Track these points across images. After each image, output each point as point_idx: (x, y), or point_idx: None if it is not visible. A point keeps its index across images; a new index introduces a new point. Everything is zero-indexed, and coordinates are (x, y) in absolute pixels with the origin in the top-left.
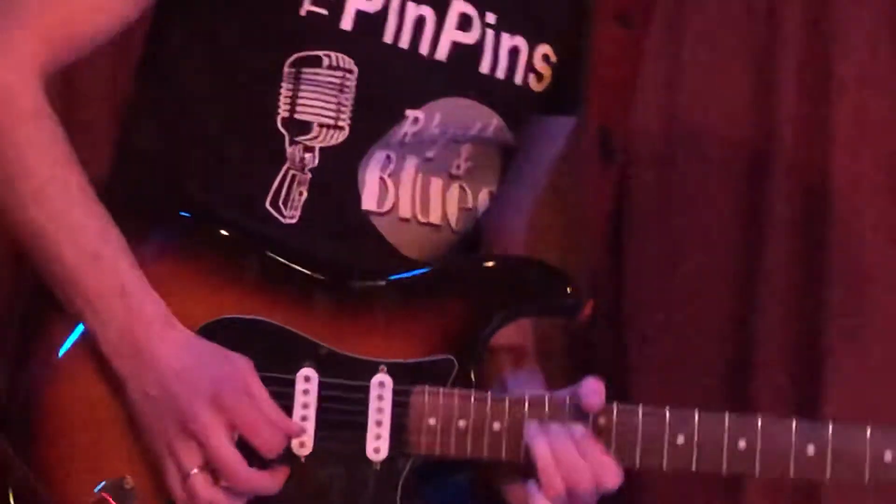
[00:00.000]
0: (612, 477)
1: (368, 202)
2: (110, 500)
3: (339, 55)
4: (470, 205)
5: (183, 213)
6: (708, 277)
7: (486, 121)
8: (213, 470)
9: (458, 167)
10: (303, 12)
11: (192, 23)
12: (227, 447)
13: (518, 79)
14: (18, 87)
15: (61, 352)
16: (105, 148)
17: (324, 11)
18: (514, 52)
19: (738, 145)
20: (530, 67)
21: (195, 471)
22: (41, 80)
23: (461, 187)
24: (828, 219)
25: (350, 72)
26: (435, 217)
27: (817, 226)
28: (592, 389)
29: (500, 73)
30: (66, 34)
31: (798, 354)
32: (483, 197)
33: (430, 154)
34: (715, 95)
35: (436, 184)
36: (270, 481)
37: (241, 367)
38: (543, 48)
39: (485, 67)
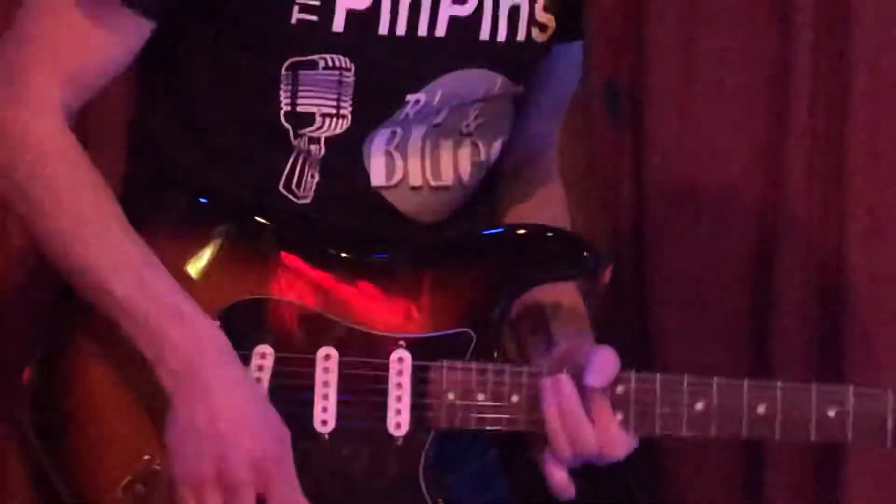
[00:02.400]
0: (618, 449)
1: (377, 179)
2: (141, 483)
3: (334, 56)
4: (482, 158)
5: (197, 200)
6: (729, 240)
7: (490, 83)
8: None
9: (468, 126)
10: (293, 20)
11: (190, 32)
12: None
13: (521, 36)
14: (45, 129)
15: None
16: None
17: (314, 18)
18: (514, 11)
19: (758, 103)
20: (532, 21)
21: None
22: (65, 119)
23: (473, 143)
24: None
25: (347, 69)
26: (447, 178)
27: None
28: (601, 365)
29: (501, 37)
30: (82, 73)
31: (819, 321)
32: (496, 147)
33: (437, 121)
34: (733, 56)
35: (445, 145)
36: None
37: (284, 437)
38: None
39: (485, 34)
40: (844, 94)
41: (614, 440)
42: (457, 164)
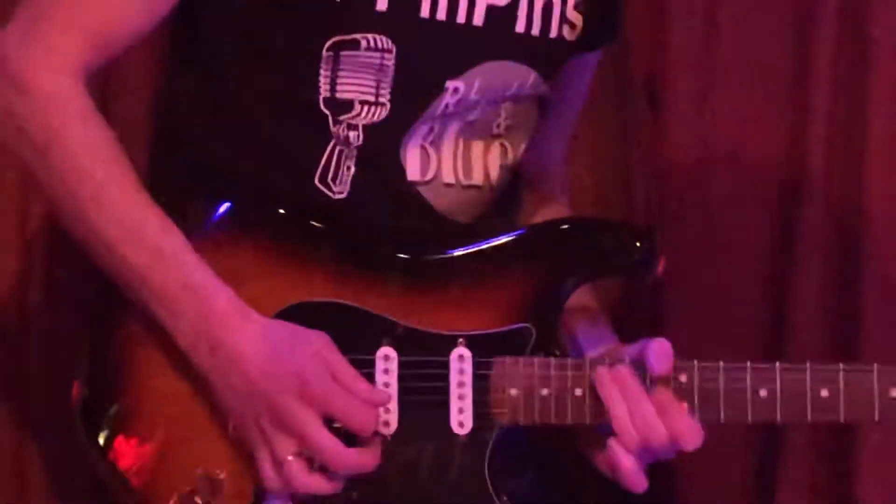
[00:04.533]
0: (692, 440)
1: (413, 173)
2: (201, 495)
3: (377, 36)
4: (510, 161)
5: (238, 199)
6: (747, 231)
7: (523, 78)
8: (307, 456)
9: (499, 126)
10: None
11: (226, 8)
12: (324, 434)
13: (553, 33)
14: (65, 90)
15: (139, 350)
16: (139, 140)
17: None
18: (547, 7)
19: (779, 96)
20: (563, 19)
21: (290, 458)
22: (85, 82)
23: (502, 145)
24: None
25: (388, 51)
26: (477, 178)
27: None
28: (661, 354)
29: (535, 31)
30: (104, 34)
31: (834, 318)
32: (521, 150)
33: (471, 118)
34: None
35: (477, 146)
36: (369, 459)
37: (320, 347)
38: None
39: (520, 27)
40: (865, 86)
41: (686, 429)
42: (486, 165)
